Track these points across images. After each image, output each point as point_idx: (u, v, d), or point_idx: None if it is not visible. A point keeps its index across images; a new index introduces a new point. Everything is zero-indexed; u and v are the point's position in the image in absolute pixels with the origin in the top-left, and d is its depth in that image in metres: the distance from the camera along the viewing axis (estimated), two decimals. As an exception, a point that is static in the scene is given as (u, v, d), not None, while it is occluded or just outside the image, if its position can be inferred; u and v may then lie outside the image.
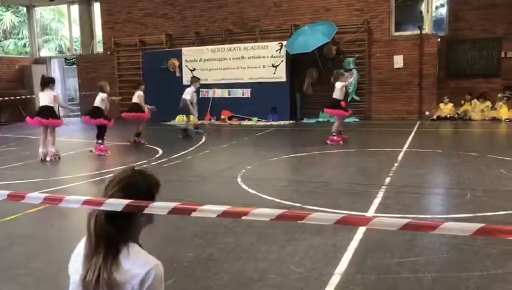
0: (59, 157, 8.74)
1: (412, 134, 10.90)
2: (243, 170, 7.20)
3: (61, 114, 12.51)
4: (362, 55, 14.32)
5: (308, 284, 3.24)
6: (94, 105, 9.22)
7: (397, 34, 14.36)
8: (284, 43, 14.40)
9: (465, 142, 10.54)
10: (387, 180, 6.26)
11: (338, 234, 4.09)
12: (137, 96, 10.50)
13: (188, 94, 11.16)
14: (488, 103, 13.49)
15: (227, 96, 15.25)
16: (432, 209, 5.29)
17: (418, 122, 13.10)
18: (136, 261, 1.65)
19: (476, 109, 13.46)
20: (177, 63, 15.78)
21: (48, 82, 8.86)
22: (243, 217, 1.71)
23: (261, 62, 14.75)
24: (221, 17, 16.00)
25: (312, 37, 13.69)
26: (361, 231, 4.14)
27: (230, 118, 14.98)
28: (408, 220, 1.45)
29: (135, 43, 17.04)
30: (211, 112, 15.31)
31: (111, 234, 1.67)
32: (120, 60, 17.61)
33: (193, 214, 1.73)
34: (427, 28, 14.01)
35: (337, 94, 9.75)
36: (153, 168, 7.61)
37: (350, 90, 14.41)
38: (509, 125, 12.33)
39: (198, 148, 9.75)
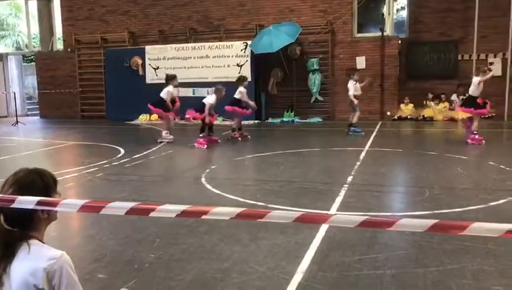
0: None
1: (374, 134, 11.13)
2: (207, 170, 7.16)
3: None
4: (326, 56, 14.52)
5: (271, 283, 3.25)
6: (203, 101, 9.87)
7: (360, 35, 14.63)
8: (249, 42, 14.43)
9: (424, 141, 10.85)
10: (349, 179, 6.36)
11: (301, 233, 4.12)
12: (239, 92, 10.63)
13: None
14: (446, 104, 13.93)
15: (191, 95, 15.11)
16: (392, 207, 5.41)
17: (380, 122, 13.39)
18: (38, 257, 1.64)
19: (436, 109, 13.86)
20: (140, 62, 15.55)
21: None
22: (203, 217, 1.69)
23: (226, 61, 14.72)
24: (186, 15, 15.87)
25: (276, 37, 13.77)
26: (323, 229, 4.18)
27: (195, 118, 14.82)
28: (365, 217, 1.48)
29: (97, 40, 16.67)
30: (175, 111, 15.11)
31: (8, 233, 1.67)
32: (81, 58, 17.19)
33: (152, 214, 1.70)
34: (389, 30, 14.34)
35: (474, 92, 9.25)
36: (115, 168, 7.47)
37: (314, 91, 14.61)
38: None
39: (161, 148, 9.63)
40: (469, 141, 9.05)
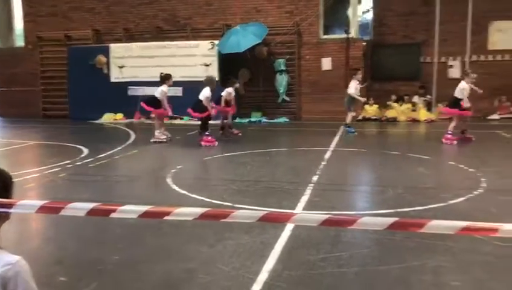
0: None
1: (339, 134, 11.29)
2: (173, 170, 7.09)
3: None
4: (292, 57, 14.63)
5: (236, 283, 3.26)
6: (199, 98, 9.65)
7: (325, 37, 14.81)
8: (216, 42, 14.37)
9: (387, 141, 11.10)
10: (315, 178, 6.44)
11: (266, 232, 4.14)
12: (226, 92, 10.57)
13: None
14: (409, 105, 14.28)
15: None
16: (356, 205, 5.51)
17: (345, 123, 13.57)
18: None
19: (399, 110, 14.18)
20: (104, 60, 15.23)
21: None
22: (166, 218, 1.67)
23: (193, 61, 14.60)
24: (152, 13, 15.66)
25: (244, 37, 13.77)
26: (289, 228, 4.22)
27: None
28: (327, 216, 1.50)
29: (60, 37, 16.22)
30: (141, 110, 14.90)
31: None
32: (43, 55, 16.68)
33: (113, 215, 1.67)
34: (354, 32, 14.56)
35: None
36: (78, 168, 7.30)
37: (281, 92, 14.70)
38: (427, 125, 13.13)
39: (127, 147, 9.48)
40: (443, 140, 9.29)
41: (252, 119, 14.60)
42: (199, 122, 10.16)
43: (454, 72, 14.42)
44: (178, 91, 14.78)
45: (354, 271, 3.40)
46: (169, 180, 6.39)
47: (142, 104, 10.68)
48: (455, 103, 9.30)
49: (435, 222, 1.46)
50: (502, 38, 14.33)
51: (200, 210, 1.60)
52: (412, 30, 14.79)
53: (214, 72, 14.44)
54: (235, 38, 13.85)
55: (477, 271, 3.36)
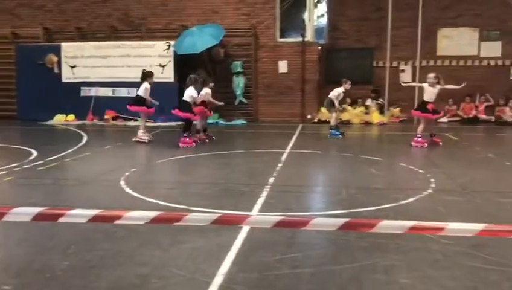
0: None
1: (295, 136, 11.43)
2: (127, 173, 6.93)
3: None
4: (249, 59, 14.69)
5: (191, 287, 3.22)
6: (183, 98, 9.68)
7: (282, 40, 14.97)
8: (172, 43, 14.22)
9: (341, 144, 11.31)
10: (271, 180, 6.48)
11: (222, 235, 4.12)
12: (205, 94, 10.30)
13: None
14: (362, 108, 14.65)
15: (111, 95, 14.60)
16: (311, 206, 5.58)
17: (301, 125, 13.78)
18: None
19: (353, 113, 14.51)
20: (55, 59, 14.73)
21: None
22: (117, 222, 1.63)
23: (148, 61, 14.35)
24: (105, 12, 15.30)
25: (200, 39, 13.69)
26: (245, 230, 4.21)
27: (114, 118, 14.36)
28: (281, 217, 1.51)
29: (6, 35, 15.54)
30: (94, 111, 14.53)
31: None
32: (-11, 53, 15.94)
33: (61, 220, 1.61)
34: (309, 36, 14.80)
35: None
36: (26, 171, 7.01)
37: (238, 93, 14.72)
38: (379, 128, 13.51)
39: (78, 149, 9.20)
40: (413, 143, 9.51)
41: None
42: (182, 122, 10.15)
43: (406, 77, 14.94)
44: (132, 92, 14.53)
45: (308, 272, 3.43)
46: (122, 184, 6.24)
47: (129, 107, 10.50)
48: (424, 106, 9.57)
49: (384, 222, 1.49)
50: (449, 44, 15.00)
51: (151, 214, 1.57)
52: (364, 35, 15.21)
53: (169, 73, 14.30)
54: (191, 39, 13.75)
55: (426, 268, 3.48)
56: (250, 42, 14.63)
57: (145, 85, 10.23)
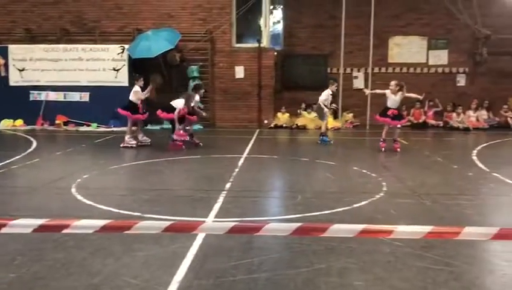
0: None
1: (252, 141, 11.47)
2: (79, 180, 6.73)
3: None
4: (205, 64, 14.63)
5: (145, 295, 3.15)
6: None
7: (238, 45, 15.01)
8: (126, 46, 13.95)
9: (297, 148, 11.47)
10: (228, 185, 6.46)
11: (177, 241, 4.06)
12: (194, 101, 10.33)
13: None
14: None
15: (62, 99, 14.14)
16: (267, 211, 5.60)
17: (258, 130, 13.84)
18: None
19: (308, 118, 14.72)
20: (2, 62, 14.11)
21: None
22: (65, 231, 1.57)
23: (101, 65, 14.05)
24: (56, 14, 14.82)
25: (155, 43, 13.51)
26: (200, 236, 4.17)
27: (66, 123, 13.90)
28: (234, 223, 1.50)
29: None
30: (44, 116, 14.02)
31: None
32: None
33: (3, 231, 1.53)
34: (265, 42, 14.92)
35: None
36: (-31, 179, 6.66)
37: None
38: (334, 133, 13.76)
39: (27, 156, 8.84)
40: (397, 149, 9.65)
41: (164, 126, 14.31)
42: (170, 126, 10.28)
43: (359, 83, 15.34)
44: (85, 97, 14.16)
45: (264, 276, 3.44)
46: (74, 191, 6.05)
47: (119, 110, 10.38)
48: (385, 112, 9.79)
49: (336, 226, 1.52)
50: (400, 52, 15.53)
51: (101, 222, 1.52)
52: (319, 42, 15.50)
53: (124, 77, 14.03)
54: (146, 43, 13.55)
55: (379, 270, 3.56)
56: (207, 47, 14.58)
57: (135, 88, 10.25)
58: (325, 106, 10.79)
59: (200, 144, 10.56)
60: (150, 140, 10.55)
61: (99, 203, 5.45)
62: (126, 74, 14.02)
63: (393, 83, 9.82)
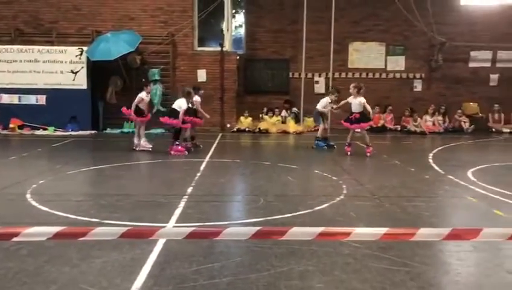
0: None
1: (214, 145, 11.43)
2: (34, 185, 6.50)
3: None
4: (167, 67, 14.48)
5: (103, 304, 3.07)
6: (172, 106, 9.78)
7: (200, 49, 14.95)
8: (85, 48, 13.64)
9: (260, 152, 11.51)
10: (189, 190, 6.40)
11: (137, 247, 3.99)
12: (194, 102, 10.33)
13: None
14: (279, 118, 15.02)
15: (17, 102, 13.66)
16: (229, 215, 5.58)
17: (220, 134, 13.81)
18: None
19: (269, 122, 14.81)
20: (-48, 63, 13.50)
21: None
22: (16, 239, 1.51)
23: (59, 67, 13.68)
24: (10, 14, 14.31)
25: (115, 45, 13.27)
26: (161, 242, 4.11)
27: (21, 127, 13.42)
28: (192, 229, 1.48)
29: None
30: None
31: None
32: None
33: None
34: (228, 46, 14.92)
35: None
36: None
37: (155, 102, 14.41)
38: (296, 137, 13.91)
39: (-22, 161, 8.46)
40: (368, 153, 9.74)
41: (125, 130, 14.08)
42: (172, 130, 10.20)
43: (320, 88, 15.58)
44: (41, 99, 13.73)
45: (226, 281, 3.42)
46: (29, 197, 5.84)
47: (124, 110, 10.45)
48: (348, 116, 9.94)
49: (294, 229, 1.53)
50: (359, 57, 15.89)
51: (54, 229, 1.47)
52: (281, 46, 15.66)
53: (82, 79, 13.71)
54: (105, 46, 13.29)
55: (338, 272, 3.61)
56: (168, 50, 14.44)
57: (141, 95, 10.21)
58: (321, 114, 10.79)
59: (200, 145, 10.71)
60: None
61: (56, 209, 5.28)
62: (85, 76, 13.71)
63: (352, 86, 10.00)
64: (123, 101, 14.30)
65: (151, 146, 10.24)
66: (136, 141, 10.29)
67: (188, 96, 9.93)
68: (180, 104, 9.74)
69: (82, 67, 13.69)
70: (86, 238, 1.44)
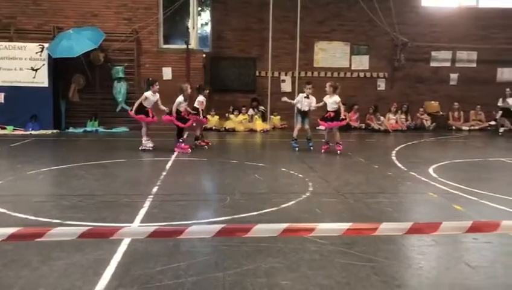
0: None
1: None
2: (-9, 186, 6.26)
3: None
4: (131, 64, 14.24)
5: (64, 307, 2.98)
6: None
7: (166, 46, 14.76)
8: (46, 45, 13.24)
9: (226, 151, 11.47)
10: (155, 189, 6.31)
11: (101, 248, 3.90)
12: (197, 101, 10.41)
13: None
14: (246, 116, 15.02)
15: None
16: (195, 214, 5.53)
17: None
18: None
19: (236, 121, 14.80)
20: None
21: None
22: (-32, 241, 1.44)
23: (18, 64, 13.24)
24: (-35, 8, 13.75)
25: (77, 42, 12.95)
26: (125, 242, 4.03)
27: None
28: (155, 228, 1.45)
29: None
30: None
31: None
32: None
33: None
34: (193, 44, 14.80)
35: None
36: None
37: (119, 100, 14.17)
38: (263, 135, 13.95)
39: None
40: (338, 151, 9.76)
41: (88, 128, 13.78)
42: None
43: (287, 86, 15.68)
44: (0, 98, 13.27)
45: (191, 280, 3.39)
46: (-15, 198, 5.61)
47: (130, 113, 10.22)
48: (323, 115, 10.03)
49: (258, 226, 1.52)
50: (325, 57, 16.08)
51: (9, 230, 1.41)
52: (247, 45, 15.66)
53: (43, 77, 13.32)
54: (67, 43, 12.96)
55: (304, 269, 3.64)
56: (132, 47, 14.20)
57: (147, 94, 10.00)
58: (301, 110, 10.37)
59: (209, 143, 10.71)
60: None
61: (15, 210, 5.10)
62: (46, 73, 13.32)
63: (328, 84, 10.00)
64: (86, 99, 14.03)
65: (152, 145, 10.05)
66: (144, 141, 10.09)
67: (180, 92, 9.95)
68: (179, 101, 9.85)
69: (43, 65, 13.29)
70: (43, 239, 1.39)
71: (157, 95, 10.16)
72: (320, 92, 10.27)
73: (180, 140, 9.92)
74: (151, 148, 10.00)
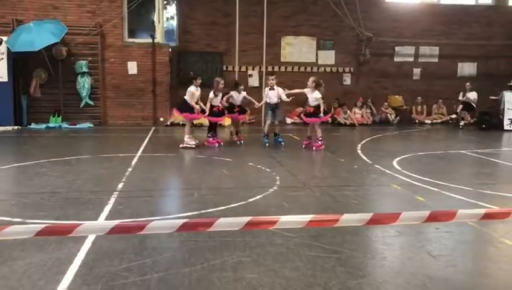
0: None
1: (147, 139, 11.16)
2: None
3: None
4: (95, 59, 13.93)
5: (25, 307, 2.91)
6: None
7: (130, 40, 14.50)
8: (5, 38, 12.79)
9: (173, 147, 11.37)
10: (120, 185, 6.22)
11: (64, 247, 3.82)
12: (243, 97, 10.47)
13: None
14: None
15: None
16: (162, 210, 5.48)
17: (153, 128, 13.52)
18: None
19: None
20: None
21: None
22: None
23: (-25, 58, 12.73)
24: None
25: (39, 36, 12.57)
26: (89, 240, 3.97)
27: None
28: (114, 224, 1.43)
29: None
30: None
31: None
32: None
33: None
34: (159, 38, 14.60)
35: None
36: None
37: (83, 95, 13.86)
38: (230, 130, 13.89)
39: None
40: (314, 147, 9.71)
41: (51, 124, 13.42)
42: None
43: (254, 81, 15.68)
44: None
45: (157, 277, 3.36)
46: None
47: (175, 111, 10.25)
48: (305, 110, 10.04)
49: (221, 220, 1.52)
50: (291, 51, 16.16)
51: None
52: (214, 39, 15.55)
53: (2, 71, 12.87)
54: (28, 36, 12.56)
55: (271, 262, 3.67)
56: (96, 41, 13.88)
57: (191, 89, 9.74)
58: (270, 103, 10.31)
59: (238, 142, 10.55)
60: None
61: (-28, 210, 4.93)
62: (5, 68, 12.88)
63: (311, 79, 9.88)
64: (48, 94, 13.65)
65: (194, 143, 9.82)
66: (186, 138, 9.84)
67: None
68: (210, 97, 9.98)
69: (2, 59, 12.84)
70: (-2, 238, 1.35)
71: (199, 90, 9.99)
72: (289, 87, 10.34)
73: (209, 134, 10.06)
74: (193, 146, 9.78)
